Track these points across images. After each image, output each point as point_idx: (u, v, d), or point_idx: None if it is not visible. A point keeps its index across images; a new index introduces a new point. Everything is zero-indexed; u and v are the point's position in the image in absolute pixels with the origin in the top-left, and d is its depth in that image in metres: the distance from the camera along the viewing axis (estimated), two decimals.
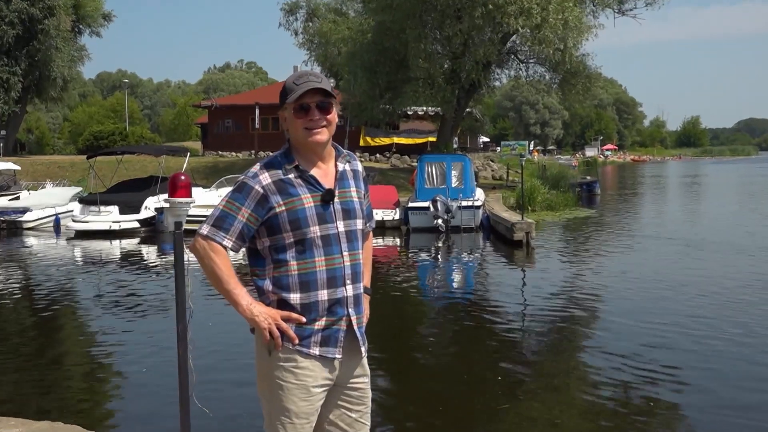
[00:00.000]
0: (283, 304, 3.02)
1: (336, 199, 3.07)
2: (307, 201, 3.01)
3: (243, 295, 3.00)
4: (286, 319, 2.99)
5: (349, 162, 3.23)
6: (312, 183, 3.05)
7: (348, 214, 3.11)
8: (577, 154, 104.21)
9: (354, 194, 3.16)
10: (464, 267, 17.07)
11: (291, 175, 3.04)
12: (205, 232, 3.04)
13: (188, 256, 5.12)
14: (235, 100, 57.57)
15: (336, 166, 3.17)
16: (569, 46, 32.74)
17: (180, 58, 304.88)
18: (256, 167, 3.08)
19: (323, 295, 3.02)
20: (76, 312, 12.19)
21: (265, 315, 2.98)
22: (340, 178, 3.15)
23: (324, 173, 3.11)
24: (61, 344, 9.94)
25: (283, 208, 2.99)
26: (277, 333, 2.97)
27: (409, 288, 13.99)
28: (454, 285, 14.75)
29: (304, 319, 3.00)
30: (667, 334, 9.43)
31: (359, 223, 3.16)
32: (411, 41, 33.11)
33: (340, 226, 3.07)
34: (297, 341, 3.00)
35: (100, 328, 10.67)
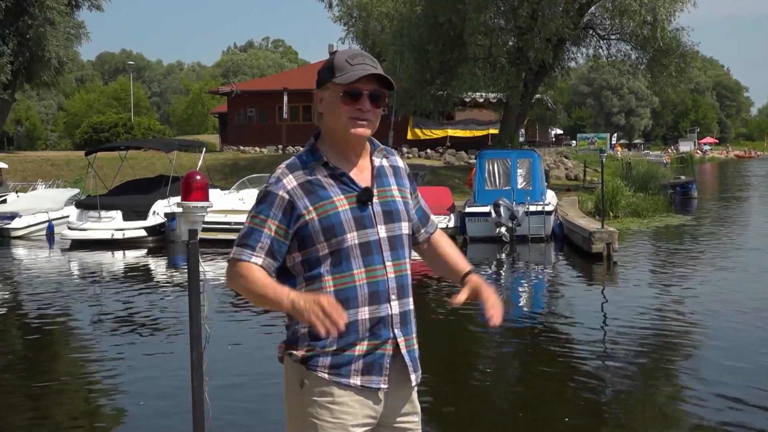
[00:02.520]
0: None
1: (375, 200, 3.08)
2: (341, 204, 3.02)
3: (282, 294, 2.95)
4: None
5: (386, 157, 3.24)
6: (345, 182, 3.07)
7: (390, 216, 3.11)
8: (669, 149, 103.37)
9: (396, 193, 3.17)
10: (531, 285, 16.99)
11: (319, 175, 3.06)
12: (232, 255, 3.08)
13: (203, 270, 5.19)
14: (260, 86, 58.03)
15: (372, 161, 3.18)
16: (660, 18, 32.47)
17: (194, 35, 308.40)
18: (279, 170, 3.10)
19: (364, 313, 3.02)
20: (70, 336, 12.35)
21: (309, 303, 2.85)
22: (378, 174, 3.15)
23: (358, 170, 3.13)
24: (51, 373, 10.06)
25: (314, 214, 2.99)
26: (328, 318, 2.80)
27: (465, 310, 13.96)
28: (519, 306, 14.67)
29: (343, 315, 2.85)
30: None
31: (404, 227, 3.16)
32: (470, 12, 33.01)
33: (381, 231, 3.07)
34: (344, 320, 2.84)
35: (98, 355, 10.78)
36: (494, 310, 3.25)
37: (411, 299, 3.17)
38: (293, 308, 2.89)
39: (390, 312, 3.05)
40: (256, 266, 3.02)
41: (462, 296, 3.20)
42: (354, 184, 3.07)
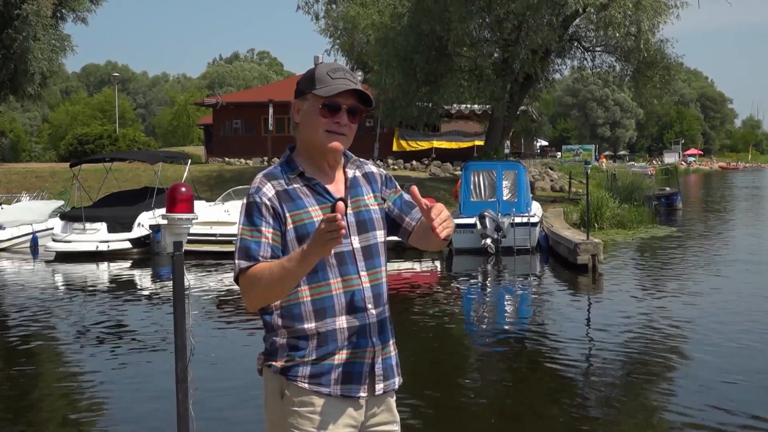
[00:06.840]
0: (296, 337, 3.05)
1: (348, 210, 3.09)
2: (316, 213, 3.05)
3: (295, 255, 2.88)
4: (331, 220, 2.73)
5: (359, 167, 3.29)
6: (320, 192, 3.11)
7: (364, 226, 3.15)
8: (653, 161, 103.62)
9: (369, 201, 3.21)
10: (517, 296, 17.01)
11: (296, 185, 3.10)
12: (235, 275, 3.05)
13: (188, 282, 5.20)
14: (245, 97, 57.90)
15: (345, 172, 3.23)
16: (644, 30, 32.62)
17: (180, 47, 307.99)
18: (257, 180, 3.14)
19: (342, 322, 3.05)
20: (54, 348, 12.31)
21: (316, 234, 2.77)
22: (351, 185, 3.20)
23: (333, 181, 3.17)
24: (34, 385, 10.04)
25: (290, 222, 3.04)
26: (336, 230, 2.70)
27: (451, 321, 13.96)
28: (505, 317, 14.70)
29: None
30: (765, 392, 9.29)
31: (379, 235, 3.20)
32: (455, 21, 32.98)
33: (355, 241, 3.11)
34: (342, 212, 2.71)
35: (82, 367, 10.77)
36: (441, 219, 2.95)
37: (387, 306, 3.20)
38: (309, 251, 2.80)
39: (368, 321, 3.09)
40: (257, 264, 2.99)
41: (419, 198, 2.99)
42: (329, 194, 3.11)
